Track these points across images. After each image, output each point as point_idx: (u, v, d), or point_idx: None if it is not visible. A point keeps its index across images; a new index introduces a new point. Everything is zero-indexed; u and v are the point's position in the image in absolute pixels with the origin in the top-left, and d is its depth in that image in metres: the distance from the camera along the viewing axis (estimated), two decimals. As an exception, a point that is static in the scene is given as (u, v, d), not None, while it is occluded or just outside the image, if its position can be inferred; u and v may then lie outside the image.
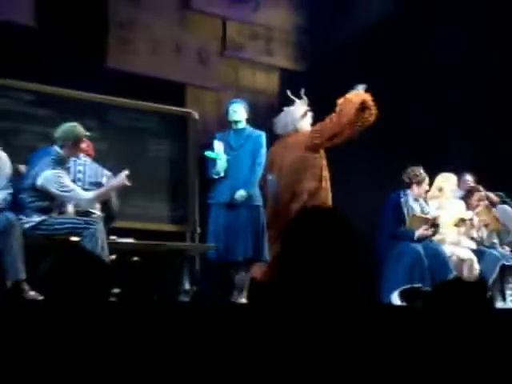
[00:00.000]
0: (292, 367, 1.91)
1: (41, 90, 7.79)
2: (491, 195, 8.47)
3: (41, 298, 3.18)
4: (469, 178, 8.52)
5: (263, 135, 7.56)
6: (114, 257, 6.69)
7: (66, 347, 2.61)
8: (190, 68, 9.28)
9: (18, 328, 2.87)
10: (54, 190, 6.17)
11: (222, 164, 7.46)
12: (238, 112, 7.64)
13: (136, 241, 7.22)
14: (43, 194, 6.22)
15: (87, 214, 6.53)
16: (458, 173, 8.37)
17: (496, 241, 8.31)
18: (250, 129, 7.66)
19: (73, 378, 2.39)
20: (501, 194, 8.61)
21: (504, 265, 7.97)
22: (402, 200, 7.80)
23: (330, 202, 7.58)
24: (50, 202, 6.29)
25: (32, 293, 5.66)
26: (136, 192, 7.94)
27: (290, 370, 1.92)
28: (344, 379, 1.92)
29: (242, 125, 7.66)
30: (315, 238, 2.00)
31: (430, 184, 8.06)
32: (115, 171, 7.02)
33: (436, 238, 7.87)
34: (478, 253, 8.00)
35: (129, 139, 8.38)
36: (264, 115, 9.11)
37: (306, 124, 7.85)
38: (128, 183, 6.30)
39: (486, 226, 8.21)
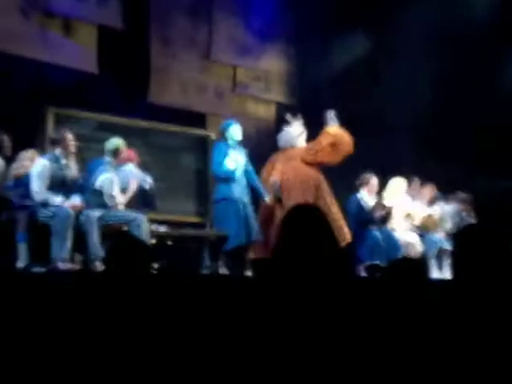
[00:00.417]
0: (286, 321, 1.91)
1: (102, 118, 7.85)
2: (435, 193, 8.44)
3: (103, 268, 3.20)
4: (416, 180, 8.44)
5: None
6: (154, 241, 6.65)
7: (122, 304, 2.64)
8: (209, 101, 9.22)
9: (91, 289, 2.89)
10: (105, 191, 6.19)
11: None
12: (241, 132, 7.19)
13: (169, 229, 7.20)
14: (101, 193, 6.23)
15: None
16: (408, 177, 8.25)
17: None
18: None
19: (125, 326, 2.39)
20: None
21: (441, 247, 7.95)
22: (359, 196, 7.78)
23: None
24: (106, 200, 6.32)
25: (99, 265, 5.61)
26: (169, 193, 8.00)
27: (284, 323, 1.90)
28: (327, 335, 1.87)
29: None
30: (304, 227, 2.02)
31: (384, 185, 8.04)
32: (155, 177, 7.06)
33: (390, 227, 7.87)
34: (421, 238, 7.97)
35: (165, 154, 8.40)
36: (264, 136, 9.15)
37: (301, 141, 7.58)
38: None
39: (426, 227, 8.20)
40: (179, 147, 8.57)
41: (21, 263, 5.39)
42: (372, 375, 1.80)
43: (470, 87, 9.08)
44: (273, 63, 9.68)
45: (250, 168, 7.19)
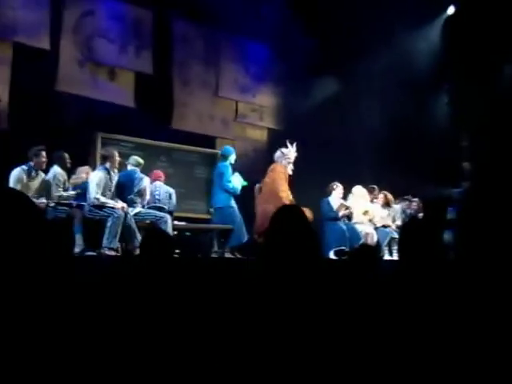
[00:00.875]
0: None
1: (137, 141, 7.86)
2: (389, 196, 8.40)
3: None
4: (375, 188, 8.46)
5: None
6: (176, 232, 6.67)
7: (152, 280, 2.65)
8: (217, 128, 9.21)
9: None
10: (146, 194, 6.26)
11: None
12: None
13: (187, 224, 7.21)
14: (142, 196, 6.26)
15: (160, 208, 6.58)
16: (367, 184, 8.28)
17: (387, 223, 8.29)
18: None
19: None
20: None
21: (391, 237, 7.96)
22: (328, 199, 7.79)
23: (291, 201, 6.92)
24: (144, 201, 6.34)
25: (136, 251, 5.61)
26: (187, 197, 8.02)
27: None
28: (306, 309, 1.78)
29: None
30: (287, 223, 2.04)
31: (349, 191, 8.05)
32: (176, 185, 7.07)
33: (353, 221, 7.89)
34: (376, 230, 7.97)
35: (183, 167, 8.41)
36: (259, 154, 9.16)
37: (286, 163, 7.07)
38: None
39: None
40: (194, 162, 8.58)
41: (77, 249, 5.40)
42: (342, 339, 1.73)
43: (415, 117, 9.10)
44: (265, 99, 9.66)
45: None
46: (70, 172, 6.25)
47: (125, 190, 6.22)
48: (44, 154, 5.79)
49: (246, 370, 1.64)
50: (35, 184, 5.76)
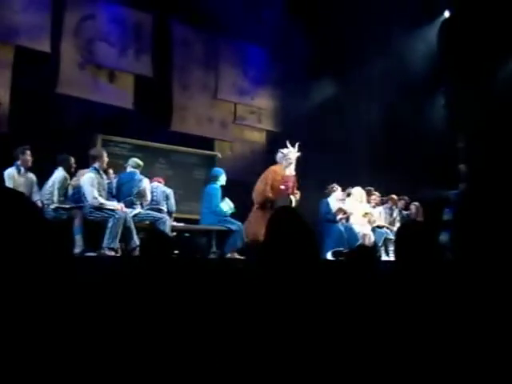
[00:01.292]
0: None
1: (136, 142, 7.87)
2: (395, 199, 8.44)
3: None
4: (371, 189, 8.45)
5: None
6: (174, 233, 6.63)
7: (152, 279, 2.65)
8: (216, 130, 9.21)
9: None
10: (146, 195, 6.25)
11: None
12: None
13: (186, 225, 7.18)
14: (142, 196, 6.26)
15: (159, 210, 6.58)
16: (364, 186, 8.26)
17: (382, 224, 8.28)
18: None
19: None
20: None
21: (386, 238, 7.97)
22: (327, 201, 7.78)
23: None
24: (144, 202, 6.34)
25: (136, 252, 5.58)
26: (186, 198, 8.01)
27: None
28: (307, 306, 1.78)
29: None
30: (285, 223, 2.03)
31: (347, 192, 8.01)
32: (175, 187, 7.05)
33: (350, 222, 7.88)
34: (373, 231, 7.96)
35: (182, 169, 8.41)
36: (257, 155, 9.16)
37: (286, 164, 6.89)
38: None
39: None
40: (193, 164, 8.59)
41: (77, 249, 5.39)
42: (340, 335, 1.71)
43: (412, 119, 9.10)
44: (264, 101, 9.67)
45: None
46: (72, 175, 6.22)
47: (125, 191, 6.20)
48: (29, 152, 5.72)
49: (246, 370, 1.63)
50: (23, 182, 5.70)
